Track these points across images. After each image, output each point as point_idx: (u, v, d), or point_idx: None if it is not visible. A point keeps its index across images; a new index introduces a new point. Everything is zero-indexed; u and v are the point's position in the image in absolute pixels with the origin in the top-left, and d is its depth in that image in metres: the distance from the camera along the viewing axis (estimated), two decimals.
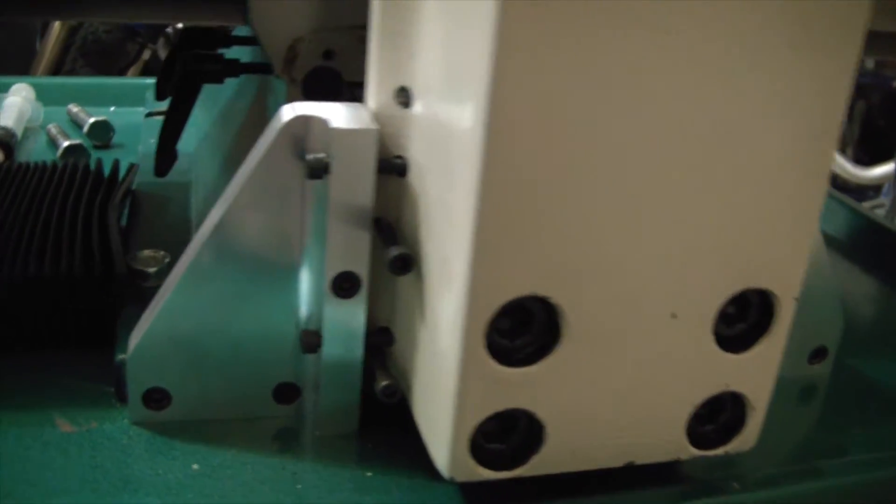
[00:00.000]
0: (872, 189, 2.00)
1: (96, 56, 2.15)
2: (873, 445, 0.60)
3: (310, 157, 0.47)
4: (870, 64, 2.21)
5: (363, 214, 0.48)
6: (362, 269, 0.50)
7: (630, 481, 0.51)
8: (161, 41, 2.22)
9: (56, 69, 2.06)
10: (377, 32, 0.48)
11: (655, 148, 0.42)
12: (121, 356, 0.55)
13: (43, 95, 1.03)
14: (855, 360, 0.70)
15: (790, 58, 0.42)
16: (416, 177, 0.47)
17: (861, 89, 2.30)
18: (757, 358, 0.49)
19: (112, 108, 1.04)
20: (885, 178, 1.89)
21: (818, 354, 0.67)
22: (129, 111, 1.04)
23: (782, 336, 0.49)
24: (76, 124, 0.99)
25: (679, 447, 0.50)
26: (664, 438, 0.49)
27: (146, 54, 2.24)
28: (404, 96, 0.47)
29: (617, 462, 0.49)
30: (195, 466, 0.51)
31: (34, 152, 0.93)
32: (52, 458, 0.51)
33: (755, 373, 0.49)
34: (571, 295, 0.43)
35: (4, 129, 0.90)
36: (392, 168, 0.48)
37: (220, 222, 0.50)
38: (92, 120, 0.95)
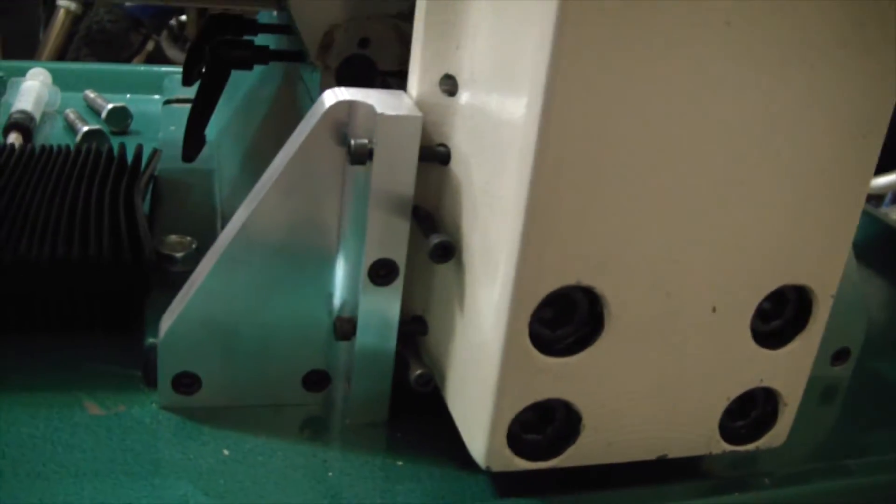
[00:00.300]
0: (874, 199, 2.00)
1: (100, 45, 2.14)
2: (894, 446, 0.60)
3: (353, 143, 0.47)
4: None
5: (404, 202, 0.48)
6: (400, 257, 0.50)
7: (657, 475, 0.51)
8: (164, 33, 2.22)
9: (60, 58, 2.05)
10: (423, 19, 0.48)
11: (703, 142, 0.42)
12: (151, 340, 0.55)
13: (58, 81, 1.02)
14: (873, 362, 0.70)
15: (839, 55, 0.42)
16: (459, 165, 0.47)
17: None
18: (792, 354, 0.49)
19: (128, 96, 1.04)
20: (888, 187, 1.88)
21: (840, 356, 0.67)
22: (144, 98, 1.04)
23: (818, 333, 0.49)
24: (93, 110, 0.98)
25: (711, 441, 0.50)
26: (697, 432, 0.49)
27: (150, 45, 2.23)
28: (450, 84, 0.47)
29: (650, 455, 0.49)
30: (226, 452, 0.51)
31: (52, 137, 0.93)
32: (82, 440, 0.51)
33: (789, 369, 0.50)
34: (616, 286, 0.43)
35: (23, 112, 0.89)
36: (434, 156, 0.48)
37: (258, 207, 0.49)
38: (110, 106, 0.94)
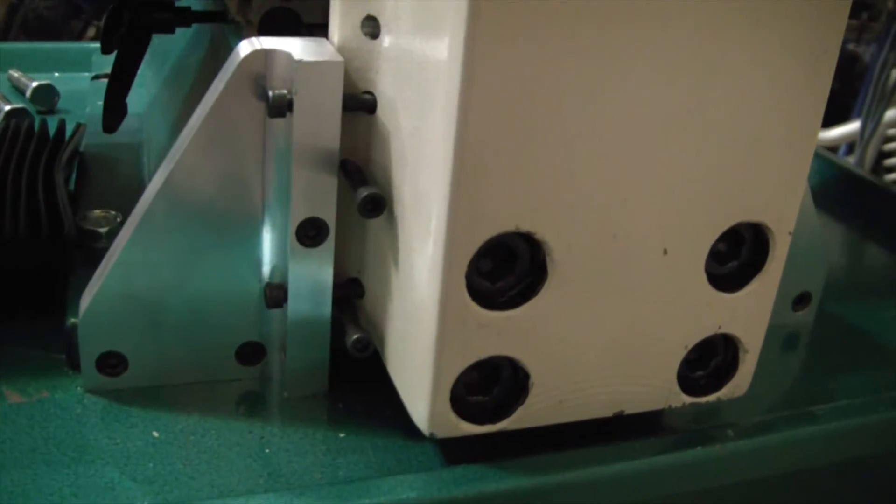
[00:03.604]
0: (829, 150, 1.99)
1: (39, 33, 2.09)
2: (861, 390, 0.58)
3: (271, 94, 0.44)
4: None
5: (329, 155, 0.45)
6: (329, 216, 0.47)
7: (617, 432, 0.48)
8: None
9: None
10: None
11: (644, 74, 0.39)
12: (72, 320, 0.51)
13: None
14: (836, 306, 0.68)
15: None
16: (386, 112, 0.44)
17: None
18: (750, 297, 0.46)
19: (56, 74, 0.99)
20: (841, 139, 1.88)
21: (802, 300, 0.64)
22: (73, 76, 0.99)
23: (776, 274, 0.46)
24: (18, 90, 0.94)
25: (670, 394, 0.47)
26: (655, 385, 0.47)
27: (91, 31, 2.18)
28: (372, 26, 0.44)
29: (606, 412, 0.46)
30: (155, 434, 0.48)
31: None
32: (0, 430, 0.47)
33: (748, 313, 0.47)
34: (557, 230, 0.40)
35: None
36: (360, 104, 0.45)
37: (175, 169, 0.46)
38: (35, 84, 0.90)
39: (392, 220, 0.44)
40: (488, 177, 0.38)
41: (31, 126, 0.70)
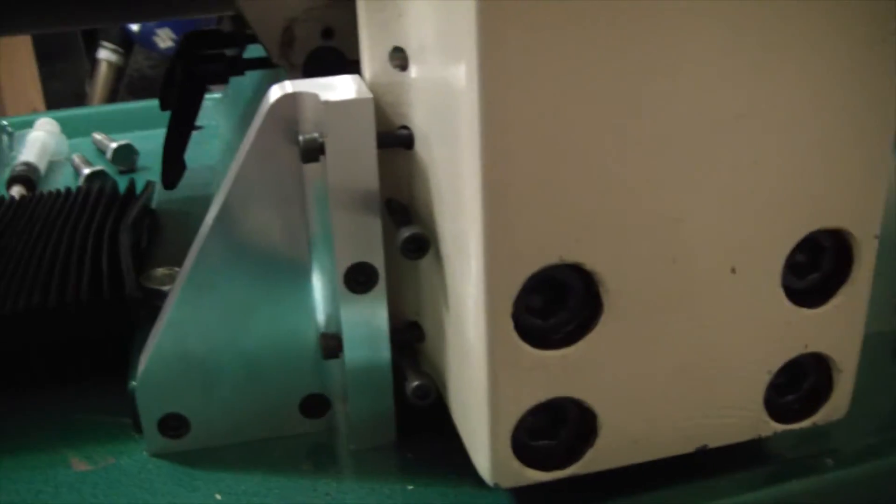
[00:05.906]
0: None
1: (144, 92, 2.15)
2: None
3: (302, 138, 0.42)
4: None
5: (369, 197, 0.43)
6: (377, 259, 0.44)
7: (706, 468, 0.44)
8: None
9: None
10: None
11: (685, 85, 0.36)
12: (132, 383, 0.50)
13: (68, 127, 0.99)
14: None
15: None
16: (422, 147, 0.42)
17: None
18: (837, 311, 0.42)
19: (139, 133, 1.01)
20: None
21: None
22: (154, 133, 1.00)
23: (866, 282, 0.42)
24: (101, 151, 0.95)
25: (758, 423, 0.44)
26: (739, 415, 0.43)
27: None
28: (400, 58, 0.42)
29: (687, 448, 0.43)
30: (218, 496, 0.46)
31: (60, 185, 0.89)
32: (64, 500, 0.46)
33: (837, 329, 0.43)
34: (608, 257, 0.37)
35: (26, 164, 0.86)
36: (396, 140, 0.43)
37: (216, 223, 0.45)
38: (114, 145, 0.91)
39: (439, 260, 0.42)
40: (522, 208, 0.35)
41: (102, 188, 0.70)
